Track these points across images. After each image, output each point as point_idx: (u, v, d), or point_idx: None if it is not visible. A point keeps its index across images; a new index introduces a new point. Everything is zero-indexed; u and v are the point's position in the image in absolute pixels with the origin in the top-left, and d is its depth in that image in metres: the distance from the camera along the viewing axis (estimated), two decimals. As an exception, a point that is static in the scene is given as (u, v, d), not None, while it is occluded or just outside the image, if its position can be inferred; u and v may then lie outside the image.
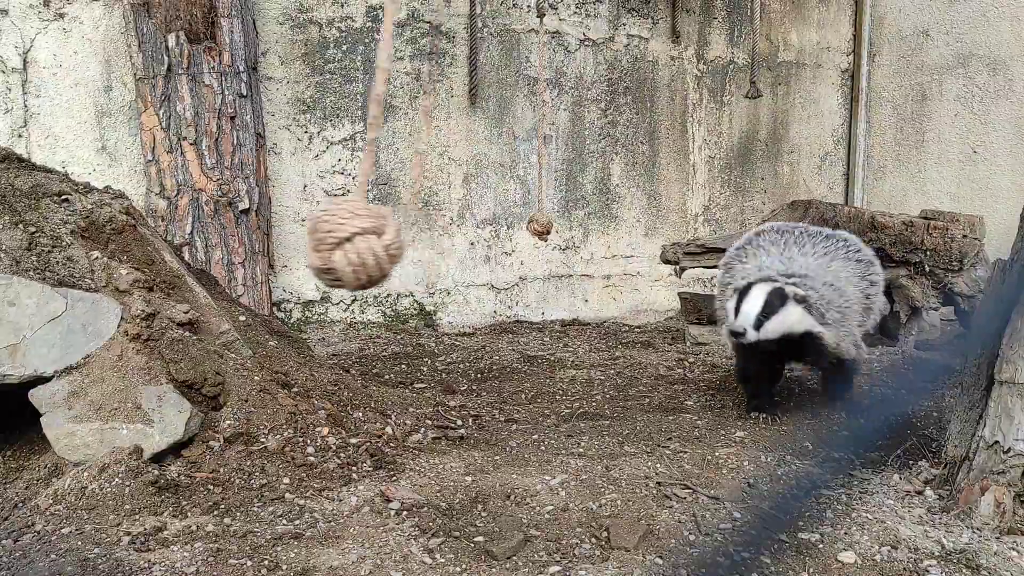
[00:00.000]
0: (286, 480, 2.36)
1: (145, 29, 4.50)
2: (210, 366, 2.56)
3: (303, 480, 2.38)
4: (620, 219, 6.16)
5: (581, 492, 2.39)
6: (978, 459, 2.28)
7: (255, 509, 2.21)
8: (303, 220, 5.17)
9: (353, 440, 2.66)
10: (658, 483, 2.47)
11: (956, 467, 2.38)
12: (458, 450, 2.81)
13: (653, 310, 6.28)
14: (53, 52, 4.67)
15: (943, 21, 6.55)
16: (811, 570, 1.99)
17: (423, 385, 3.90)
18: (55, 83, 4.69)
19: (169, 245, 3.18)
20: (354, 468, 2.50)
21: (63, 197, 2.63)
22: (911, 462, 2.65)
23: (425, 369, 4.29)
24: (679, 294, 5.38)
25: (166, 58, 4.50)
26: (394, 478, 2.47)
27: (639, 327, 5.81)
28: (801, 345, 3.10)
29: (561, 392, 3.81)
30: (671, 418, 3.27)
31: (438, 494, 2.37)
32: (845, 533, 2.18)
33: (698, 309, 5.08)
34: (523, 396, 3.73)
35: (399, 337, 4.97)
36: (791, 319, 2.99)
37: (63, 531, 2.02)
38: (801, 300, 3.01)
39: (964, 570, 2.01)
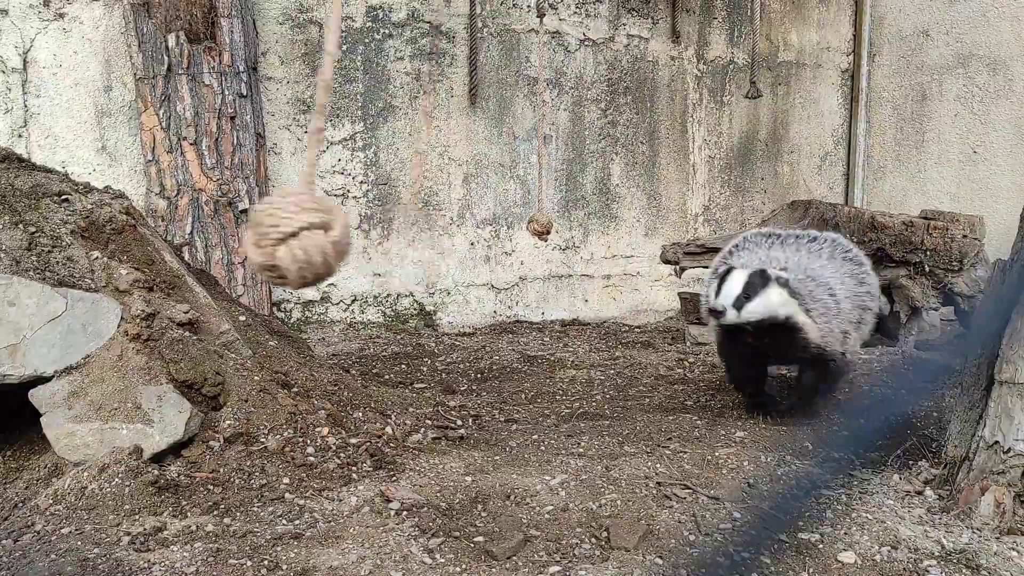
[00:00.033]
0: (286, 480, 2.36)
1: (145, 29, 4.50)
2: (210, 366, 2.56)
3: (303, 480, 2.38)
4: (620, 219, 6.16)
5: (581, 492, 2.38)
6: (978, 459, 2.28)
7: (255, 509, 2.21)
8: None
9: (353, 440, 2.66)
10: (658, 483, 2.47)
11: (956, 467, 2.38)
12: (458, 450, 2.81)
13: (653, 310, 6.28)
14: (53, 52, 4.67)
15: (943, 21, 6.55)
16: (811, 570, 1.99)
17: (423, 385, 3.90)
18: (55, 83, 4.69)
19: (169, 245, 3.18)
20: (354, 468, 2.50)
21: (63, 197, 2.63)
22: (911, 462, 2.65)
23: (425, 369, 4.29)
24: (679, 294, 5.38)
25: (166, 58, 4.50)
26: (394, 478, 2.47)
27: (639, 327, 5.81)
28: (784, 337, 3.00)
29: (561, 392, 3.81)
30: (671, 418, 3.27)
31: (438, 494, 2.37)
32: (845, 533, 2.17)
33: (698, 309, 5.07)
34: (523, 396, 3.73)
35: (399, 337, 4.97)
36: (773, 301, 2.91)
37: (63, 531, 2.02)
38: (784, 283, 2.94)
39: (964, 570, 2.01)
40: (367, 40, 5.26)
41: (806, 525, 2.21)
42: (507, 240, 5.76)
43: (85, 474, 2.18)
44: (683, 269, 5.16)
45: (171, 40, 4.49)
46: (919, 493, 2.44)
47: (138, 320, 2.46)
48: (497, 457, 2.73)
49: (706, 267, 5.10)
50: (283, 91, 5.10)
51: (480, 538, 2.11)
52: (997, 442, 2.23)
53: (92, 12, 4.71)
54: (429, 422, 3.07)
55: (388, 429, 2.85)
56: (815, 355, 3.07)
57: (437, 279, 5.57)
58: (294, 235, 1.43)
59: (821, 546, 2.10)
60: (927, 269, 4.46)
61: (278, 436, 2.53)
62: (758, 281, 2.90)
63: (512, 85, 5.70)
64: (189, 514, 2.15)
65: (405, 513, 2.21)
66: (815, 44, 6.83)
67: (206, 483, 2.30)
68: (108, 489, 2.15)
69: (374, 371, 4.11)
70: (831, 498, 2.40)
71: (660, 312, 6.27)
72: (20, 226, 2.47)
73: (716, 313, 2.92)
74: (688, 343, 5.04)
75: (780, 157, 6.80)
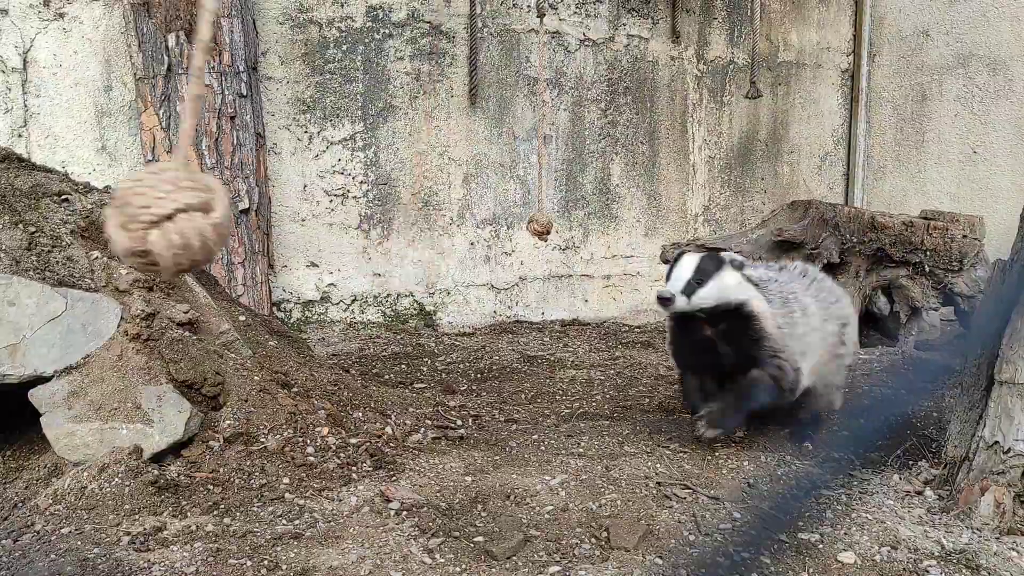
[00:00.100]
0: (286, 480, 2.36)
1: (145, 29, 4.50)
2: (210, 366, 2.56)
3: (303, 480, 2.38)
4: (620, 219, 6.16)
5: (581, 492, 2.38)
6: (978, 459, 2.28)
7: (255, 509, 2.21)
8: (303, 220, 5.18)
9: (353, 440, 2.66)
10: (658, 483, 2.47)
11: (956, 467, 2.38)
12: (458, 450, 2.81)
13: (653, 310, 6.28)
14: (53, 52, 4.67)
15: (943, 21, 6.55)
16: (811, 570, 1.99)
17: (423, 385, 3.90)
18: (55, 83, 4.69)
19: (169, 245, 3.18)
20: (354, 468, 2.50)
21: (63, 197, 2.63)
22: (911, 462, 2.65)
23: (425, 369, 4.29)
24: (679, 294, 5.37)
25: (166, 58, 4.50)
26: (394, 478, 2.47)
27: (639, 327, 5.81)
28: (738, 326, 2.70)
29: (561, 392, 3.81)
30: (671, 418, 3.27)
31: (438, 494, 2.37)
32: (845, 533, 2.17)
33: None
34: (523, 396, 3.73)
35: (399, 337, 4.97)
36: (727, 285, 2.65)
37: (63, 531, 2.02)
38: (739, 266, 2.70)
39: (964, 570, 2.01)
40: (367, 40, 5.26)
41: (806, 525, 2.21)
42: (507, 240, 5.76)
43: (85, 474, 2.18)
44: (683, 269, 5.14)
45: (171, 40, 4.49)
46: (919, 493, 2.44)
47: (138, 320, 2.46)
48: (497, 457, 2.73)
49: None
50: (283, 91, 5.10)
51: (480, 538, 2.11)
52: (997, 442, 2.23)
53: (92, 12, 4.71)
54: (429, 422, 3.07)
55: (388, 429, 2.85)
56: (768, 351, 2.71)
57: (437, 279, 5.57)
58: (169, 217, 1.26)
59: (821, 546, 2.10)
60: (927, 269, 4.46)
61: (278, 436, 2.53)
62: (710, 265, 2.66)
63: (512, 85, 5.70)
64: (189, 514, 2.15)
65: (405, 513, 2.21)
66: (815, 44, 6.83)
67: (206, 483, 2.30)
68: (108, 489, 2.15)
69: (374, 371, 4.11)
70: (831, 498, 2.40)
71: (660, 312, 6.25)
72: (20, 226, 2.47)
73: (664, 301, 2.63)
74: (688, 343, 5.03)
75: (780, 157, 6.80)
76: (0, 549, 1.95)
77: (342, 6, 5.18)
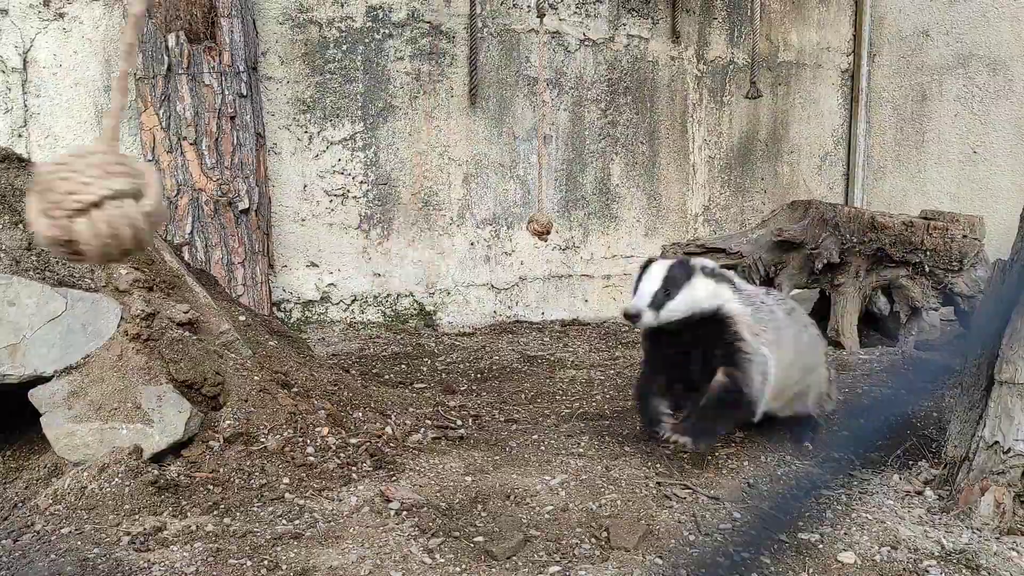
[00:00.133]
0: (286, 480, 2.36)
1: (145, 29, 4.50)
2: (210, 366, 2.56)
3: (303, 480, 2.38)
4: (620, 219, 6.16)
5: (581, 492, 2.38)
6: (978, 459, 2.28)
7: (255, 509, 2.21)
8: (303, 220, 5.18)
9: (353, 440, 2.66)
10: (658, 483, 2.47)
11: (956, 467, 2.38)
12: (458, 450, 2.81)
13: (653, 310, 6.28)
14: (53, 52, 4.67)
15: (943, 21, 6.55)
16: (811, 570, 1.99)
17: (423, 385, 3.90)
18: (55, 83, 4.69)
19: (169, 245, 3.19)
20: (354, 468, 2.50)
21: (63, 197, 2.63)
22: (911, 462, 2.65)
23: (425, 369, 4.29)
24: (679, 294, 5.37)
25: (166, 58, 4.49)
26: (394, 478, 2.47)
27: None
28: (713, 330, 2.55)
29: (561, 392, 3.81)
30: (671, 418, 3.27)
31: (438, 494, 2.37)
32: (845, 533, 2.17)
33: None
34: (523, 396, 3.73)
35: (399, 337, 4.97)
36: (699, 295, 2.50)
37: (63, 531, 2.02)
38: (710, 272, 2.55)
39: (964, 570, 2.01)
40: (367, 40, 5.26)
41: (806, 525, 2.21)
42: (507, 240, 5.76)
43: (85, 474, 2.18)
44: (683, 269, 5.14)
45: (171, 40, 4.49)
46: (919, 493, 2.44)
47: (138, 320, 2.46)
48: (497, 457, 2.73)
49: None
50: (283, 91, 5.10)
51: (480, 538, 2.11)
52: (997, 442, 2.23)
53: (92, 12, 4.71)
54: (429, 422, 3.07)
55: (388, 429, 2.85)
56: (741, 353, 2.56)
57: (437, 279, 5.57)
58: (97, 205, 1.17)
59: (821, 546, 2.10)
60: (927, 269, 4.46)
61: (278, 436, 2.53)
62: (680, 273, 2.50)
63: (512, 85, 5.70)
64: (189, 514, 2.15)
65: (405, 513, 2.21)
66: (815, 44, 6.83)
67: (206, 483, 2.30)
68: (108, 489, 2.15)
69: (374, 371, 4.11)
70: (831, 498, 2.40)
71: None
72: (20, 226, 2.47)
73: (631, 317, 2.48)
74: (688, 343, 5.03)
75: (780, 157, 6.80)
76: (0, 549, 1.95)
77: (342, 6, 5.18)
